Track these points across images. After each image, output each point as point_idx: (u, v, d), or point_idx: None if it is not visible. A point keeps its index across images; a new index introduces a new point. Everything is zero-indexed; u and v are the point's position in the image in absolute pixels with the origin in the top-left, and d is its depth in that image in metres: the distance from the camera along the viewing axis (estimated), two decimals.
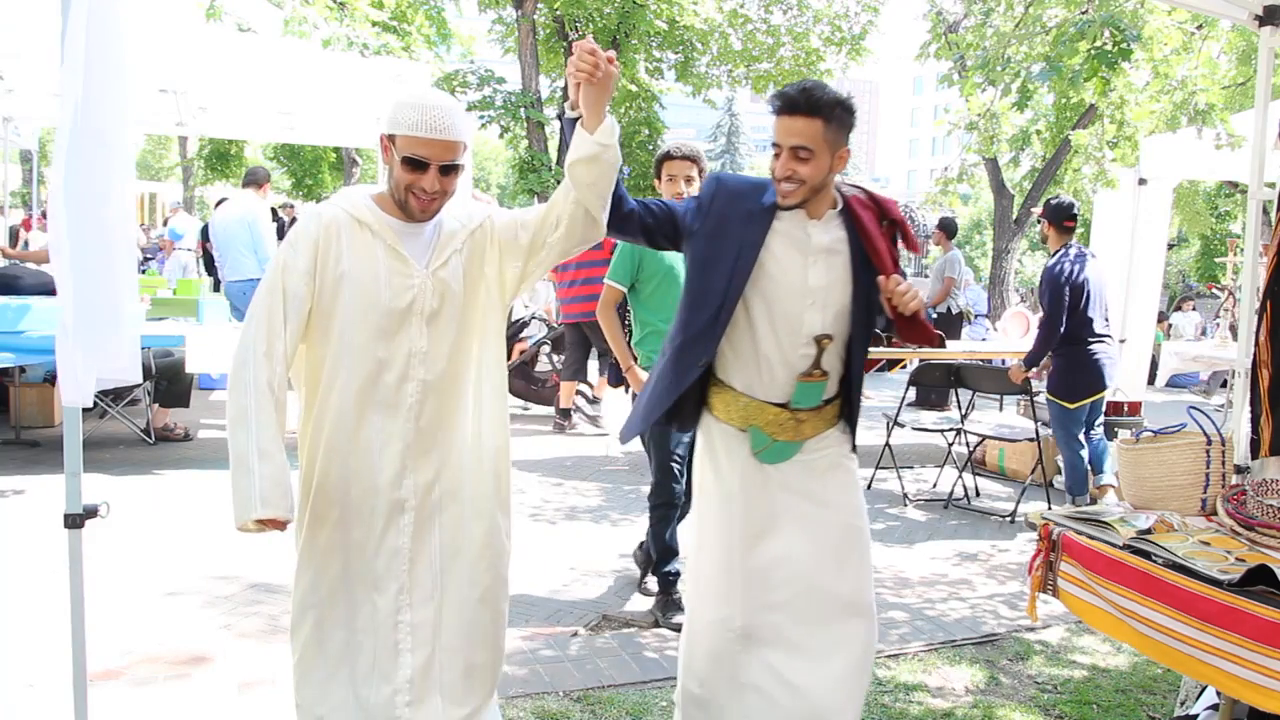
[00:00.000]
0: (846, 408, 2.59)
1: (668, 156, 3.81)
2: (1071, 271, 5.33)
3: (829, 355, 2.46)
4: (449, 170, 2.10)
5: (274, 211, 12.32)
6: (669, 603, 3.88)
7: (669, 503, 3.87)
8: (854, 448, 2.64)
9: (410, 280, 2.15)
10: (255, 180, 7.66)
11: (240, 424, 2.10)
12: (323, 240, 2.10)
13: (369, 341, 2.14)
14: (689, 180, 3.74)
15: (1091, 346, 5.39)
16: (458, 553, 2.27)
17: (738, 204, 2.46)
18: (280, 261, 2.12)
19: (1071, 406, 5.46)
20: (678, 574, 3.90)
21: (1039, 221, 5.70)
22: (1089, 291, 5.38)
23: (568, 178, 2.21)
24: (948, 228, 9.66)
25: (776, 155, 2.38)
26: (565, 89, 2.13)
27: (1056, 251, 5.44)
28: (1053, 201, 5.54)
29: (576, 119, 2.18)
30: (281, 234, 13.11)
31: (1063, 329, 5.35)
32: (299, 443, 2.25)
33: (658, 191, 3.84)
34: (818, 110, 2.30)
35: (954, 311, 9.58)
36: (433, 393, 2.20)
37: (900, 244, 2.58)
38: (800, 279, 2.44)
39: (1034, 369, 5.61)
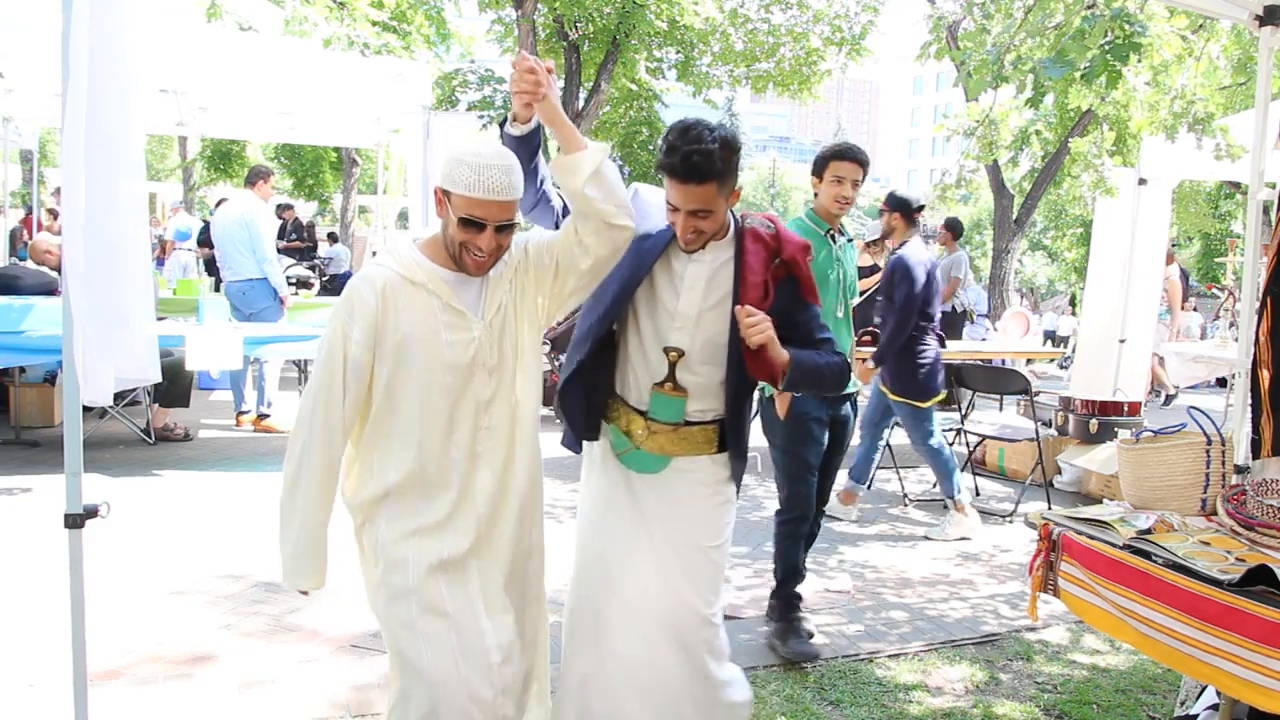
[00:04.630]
0: (727, 441, 2.55)
1: (837, 156, 3.68)
2: (925, 261, 5.13)
3: (688, 374, 2.47)
4: (504, 229, 2.10)
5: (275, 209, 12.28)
6: (789, 629, 3.62)
7: (801, 515, 3.66)
8: (733, 483, 2.60)
9: (471, 334, 2.15)
10: (250, 179, 7.67)
11: (292, 490, 2.12)
12: (379, 306, 2.09)
13: (434, 398, 2.14)
14: (855, 184, 3.65)
15: (930, 340, 5.19)
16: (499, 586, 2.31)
17: (641, 224, 2.43)
18: (339, 329, 2.11)
19: (924, 406, 5.24)
20: (800, 597, 3.74)
21: (881, 213, 5.46)
22: (935, 287, 5.20)
23: (572, 207, 2.20)
24: (954, 228, 9.68)
25: (674, 211, 2.35)
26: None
27: (902, 243, 5.23)
28: (899, 194, 5.34)
29: (522, 135, 2.21)
30: (283, 235, 13.14)
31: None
32: (355, 497, 2.23)
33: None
34: (709, 177, 2.28)
35: (957, 310, 9.65)
36: (499, 438, 2.22)
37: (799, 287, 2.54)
38: (671, 304, 2.46)
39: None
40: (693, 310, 2.46)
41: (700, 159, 2.26)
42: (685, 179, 2.29)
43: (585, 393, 2.52)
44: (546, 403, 8.35)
